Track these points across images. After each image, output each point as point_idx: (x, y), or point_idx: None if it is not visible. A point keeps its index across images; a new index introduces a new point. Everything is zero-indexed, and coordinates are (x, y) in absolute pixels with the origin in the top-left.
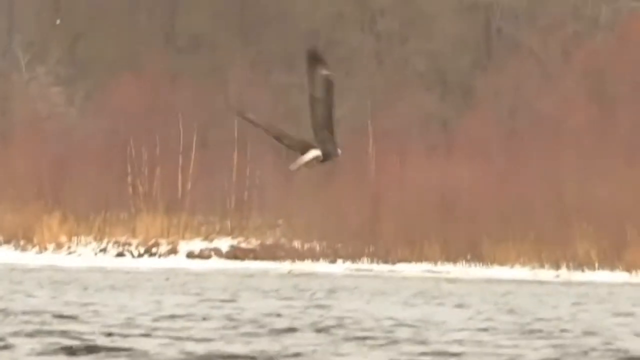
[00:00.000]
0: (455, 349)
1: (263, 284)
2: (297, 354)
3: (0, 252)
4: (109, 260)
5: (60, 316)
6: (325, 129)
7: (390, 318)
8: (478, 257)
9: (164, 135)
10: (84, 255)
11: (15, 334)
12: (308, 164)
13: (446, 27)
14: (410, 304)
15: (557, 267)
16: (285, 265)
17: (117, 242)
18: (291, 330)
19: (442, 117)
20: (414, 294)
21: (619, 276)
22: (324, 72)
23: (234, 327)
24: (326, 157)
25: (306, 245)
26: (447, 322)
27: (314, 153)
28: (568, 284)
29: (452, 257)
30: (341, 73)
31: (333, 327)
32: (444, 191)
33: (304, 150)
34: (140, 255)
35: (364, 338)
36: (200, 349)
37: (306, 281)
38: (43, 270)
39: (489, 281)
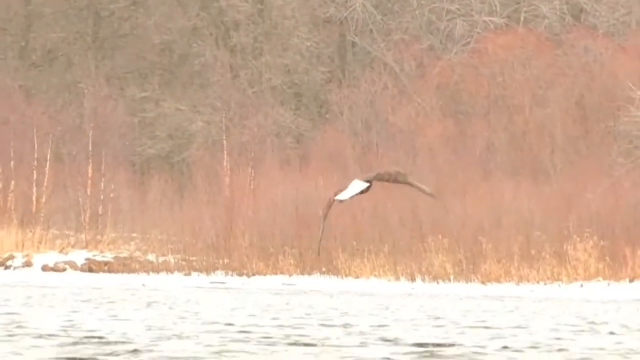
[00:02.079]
0: None
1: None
2: None
3: None
4: None
5: None
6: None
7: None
8: (333, 270)
9: (19, 148)
10: None
11: None
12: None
13: (301, 41)
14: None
15: (412, 279)
16: (140, 278)
17: None
18: None
19: (296, 130)
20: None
21: (475, 288)
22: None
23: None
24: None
25: (161, 259)
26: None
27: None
28: (423, 296)
29: (306, 269)
30: (195, 87)
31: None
32: (298, 205)
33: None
34: None
35: None
36: None
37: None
38: None
39: (345, 293)
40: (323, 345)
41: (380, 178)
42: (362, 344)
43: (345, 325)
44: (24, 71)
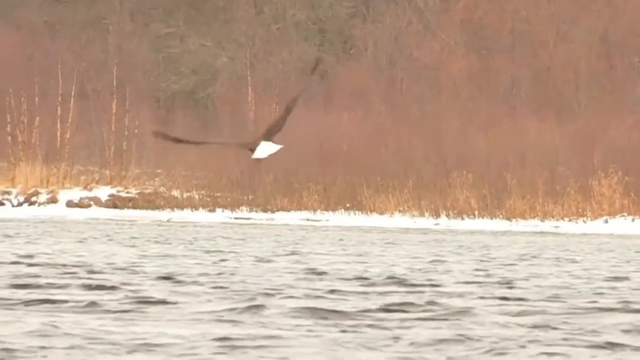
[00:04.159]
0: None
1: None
2: None
3: None
4: None
5: None
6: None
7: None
8: (357, 205)
9: (43, 85)
10: None
11: None
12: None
13: None
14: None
15: (436, 215)
16: (164, 214)
17: None
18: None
19: (320, 66)
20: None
21: (500, 224)
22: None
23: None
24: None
25: (185, 195)
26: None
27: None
28: (448, 232)
29: (331, 205)
30: (220, 22)
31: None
32: (322, 140)
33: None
34: (19, 204)
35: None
36: None
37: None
38: None
39: (369, 229)
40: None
41: (278, 126)
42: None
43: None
44: (49, 7)
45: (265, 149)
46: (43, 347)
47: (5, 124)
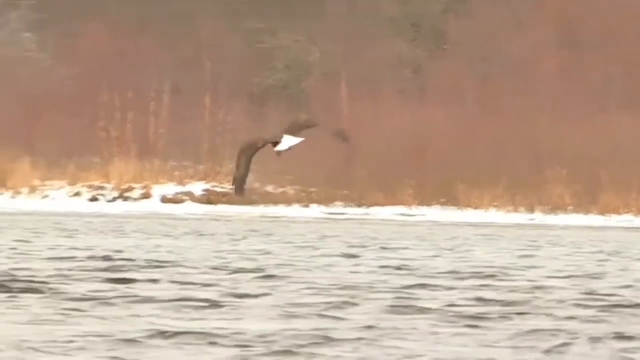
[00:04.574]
0: None
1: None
2: None
3: None
4: (82, 205)
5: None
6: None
7: None
8: (452, 200)
9: (136, 80)
10: (58, 199)
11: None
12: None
13: None
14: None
15: (531, 210)
16: (258, 209)
17: (90, 187)
18: None
19: (414, 61)
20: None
21: (594, 219)
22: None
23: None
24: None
25: (279, 190)
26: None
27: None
28: (543, 227)
29: (425, 200)
30: (312, 18)
31: None
32: (416, 135)
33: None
34: (113, 200)
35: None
36: None
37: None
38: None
39: (465, 224)
40: None
41: (293, 129)
42: None
43: None
44: (139, 2)
45: (286, 142)
46: (149, 346)
47: (97, 119)
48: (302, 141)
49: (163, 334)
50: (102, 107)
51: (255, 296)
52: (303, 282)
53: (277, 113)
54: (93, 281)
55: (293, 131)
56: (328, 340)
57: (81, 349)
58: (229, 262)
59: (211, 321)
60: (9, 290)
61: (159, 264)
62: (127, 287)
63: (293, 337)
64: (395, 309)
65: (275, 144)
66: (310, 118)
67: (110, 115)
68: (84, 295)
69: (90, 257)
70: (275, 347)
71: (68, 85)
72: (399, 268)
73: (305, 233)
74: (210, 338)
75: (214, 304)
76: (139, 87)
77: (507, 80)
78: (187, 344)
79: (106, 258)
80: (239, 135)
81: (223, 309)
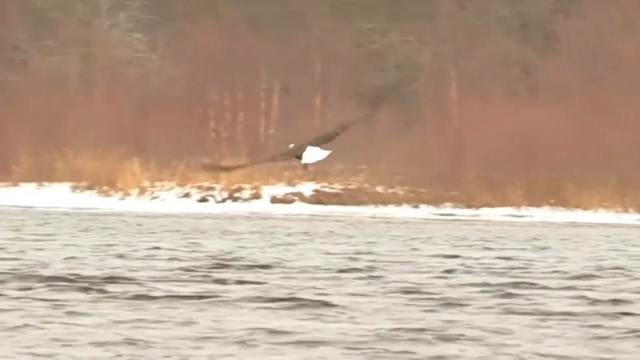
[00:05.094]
0: None
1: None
2: None
3: (84, 197)
4: (192, 205)
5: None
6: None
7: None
8: (561, 201)
9: (246, 80)
10: (167, 200)
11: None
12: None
13: None
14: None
15: None
16: (368, 210)
17: (200, 188)
18: None
19: (523, 62)
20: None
21: None
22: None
23: None
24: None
25: (389, 190)
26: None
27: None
28: None
29: (535, 201)
30: (422, 18)
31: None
32: (526, 136)
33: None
34: (223, 201)
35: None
36: None
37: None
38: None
39: (575, 225)
40: None
41: (328, 138)
42: None
43: None
44: (249, 2)
45: (314, 154)
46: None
47: (207, 120)
48: (329, 154)
49: (273, 333)
50: (212, 108)
51: (363, 295)
52: (398, 285)
53: (387, 113)
54: (204, 282)
55: (319, 143)
56: (442, 339)
57: (196, 348)
58: (335, 263)
59: (319, 323)
60: (125, 292)
61: (267, 265)
62: (237, 287)
63: (408, 335)
64: (501, 310)
65: (300, 157)
66: (340, 124)
67: (220, 116)
68: (194, 293)
69: (198, 258)
70: (395, 348)
71: (178, 85)
72: (512, 267)
73: (412, 234)
74: (319, 337)
75: (324, 304)
76: (249, 87)
77: (617, 80)
78: (296, 342)
79: (215, 258)
80: (349, 135)
81: (333, 309)
